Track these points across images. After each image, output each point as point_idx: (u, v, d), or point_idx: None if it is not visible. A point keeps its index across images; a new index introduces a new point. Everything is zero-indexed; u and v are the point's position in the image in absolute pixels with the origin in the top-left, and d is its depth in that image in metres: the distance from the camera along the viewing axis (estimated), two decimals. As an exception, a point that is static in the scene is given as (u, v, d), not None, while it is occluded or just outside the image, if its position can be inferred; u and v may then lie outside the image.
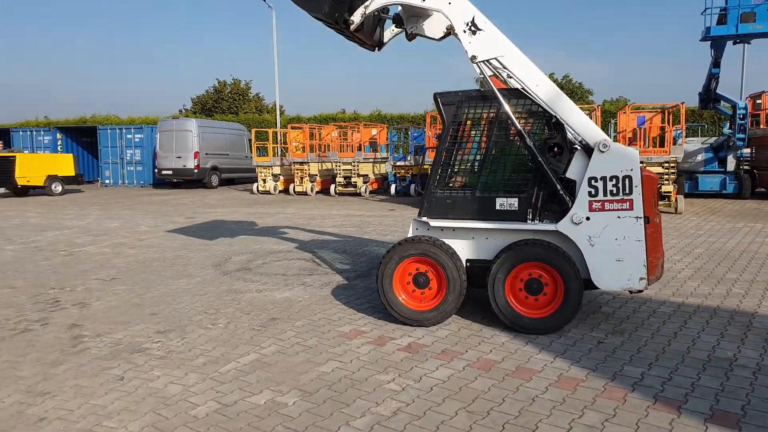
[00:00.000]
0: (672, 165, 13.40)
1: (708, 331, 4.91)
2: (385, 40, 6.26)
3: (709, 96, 16.61)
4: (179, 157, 23.49)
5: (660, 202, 13.47)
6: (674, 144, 13.97)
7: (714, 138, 17.70)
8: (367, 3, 5.31)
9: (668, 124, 14.45)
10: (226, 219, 13.49)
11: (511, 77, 5.02)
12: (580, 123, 4.86)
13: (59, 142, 27.94)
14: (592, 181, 4.72)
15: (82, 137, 28.96)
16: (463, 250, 5.20)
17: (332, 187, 20.36)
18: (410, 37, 5.84)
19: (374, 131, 22.13)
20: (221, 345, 4.75)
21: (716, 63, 15.42)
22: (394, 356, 4.43)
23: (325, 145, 22.22)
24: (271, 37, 29.73)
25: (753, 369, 4.07)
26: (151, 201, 18.87)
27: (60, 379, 4.12)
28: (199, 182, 24.32)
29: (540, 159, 4.82)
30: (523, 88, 4.92)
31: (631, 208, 4.67)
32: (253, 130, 24.55)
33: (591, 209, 4.73)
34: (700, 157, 16.86)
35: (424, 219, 5.25)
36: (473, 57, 4.96)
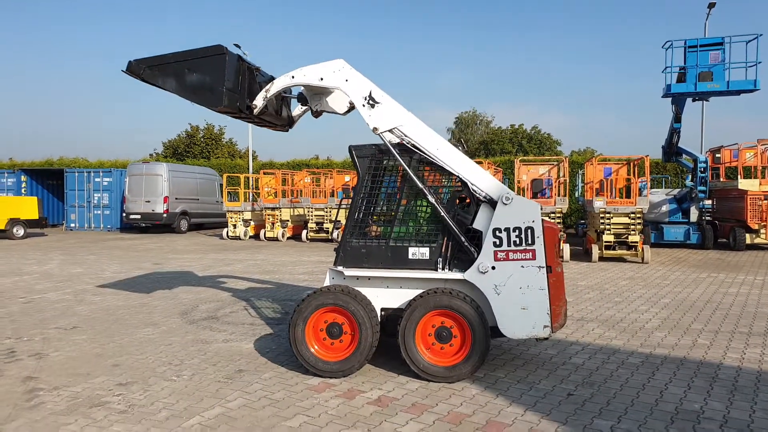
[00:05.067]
0: (638, 215, 13.73)
1: (675, 382, 4.94)
2: (295, 118, 6.57)
3: (671, 149, 17.22)
4: (148, 202, 23.20)
5: (627, 252, 13.75)
6: (640, 195, 14.35)
7: (677, 189, 18.26)
8: (267, 87, 5.63)
9: (634, 175, 14.88)
10: (194, 265, 13.26)
11: (413, 145, 5.18)
12: (481, 180, 5.06)
13: (23, 185, 27.38)
14: (497, 232, 4.91)
15: (48, 180, 28.45)
16: (378, 298, 5.28)
17: (304, 232, 20.27)
18: (316, 114, 6.15)
19: (347, 177, 22.27)
20: (185, 398, 4.59)
21: (677, 118, 16.05)
22: (364, 410, 4.34)
23: (297, 191, 22.23)
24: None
25: (720, 422, 4.09)
26: (117, 246, 18.49)
27: (12, 436, 3.92)
28: (168, 227, 23.98)
29: (443, 214, 5.01)
30: (424, 153, 5.13)
31: (533, 258, 4.84)
32: (225, 175, 24.50)
33: (496, 259, 4.90)
34: (664, 208, 17.34)
35: (340, 268, 5.30)
36: (375, 129, 5.20)
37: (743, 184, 16.08)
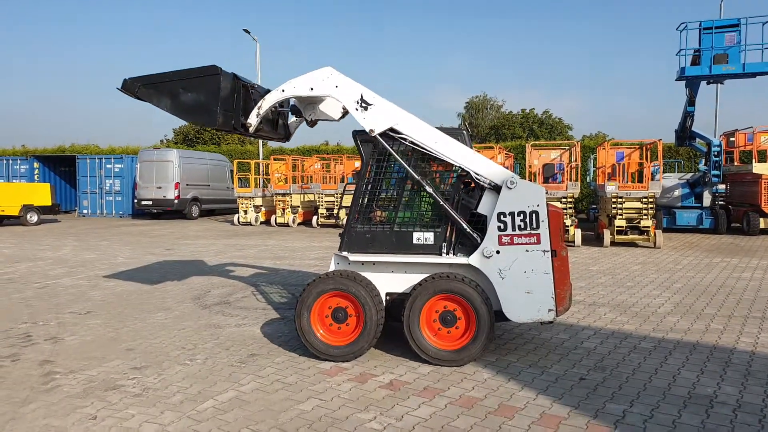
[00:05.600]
0: (650, 200, 13.62)
1: (688, 367, 4.93)
2: (291, 130, 6.61)
3: (684, 133, 17.00)
4: (159, 188, 23.32)
5: (639, 237, 13.66)
6: (652, 180, 14.22)
7: (690, 174, 18.06)
8: (259, 104, 5.64)
9: (646, 160, 14.73)
10: (205, 251, 13.34)
11: (411, 142, 5.18)
12: (484, 168, 5.05)
13: (36, 172, 27.59)
14: (501, 216, 4.90)
15: (60, 166, 28.65)
16: (384, 283, 5.31)
17: (314, 218, 20.32)
18: (311, 123, 6.18)
19: (357, 163, 22.23)
20: (199, 382, 4.64)
21: (691, 101, 15.83)
22: (376, 394, 4.37)
23: (307, 177, 22.24)
24: (255, 68, 29.99)
25: (733, 406, 4.08)
26: (129, 232, 18.63)
27: (29, 418, 3.97)
28: (179, 213, 24.11)
29: (442, 203, 5.03)
30: (423, 148, 5.13)
31: (538, 242, 4.83)
32: (235, 161, 24.53)
33: (501, 243, 4.90)
34: (677, 193, 17.18)
35: (344, 253, 5.32)
36: (371, 131, 5.20)
37: (758, 168, 15.88)
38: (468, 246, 5.08)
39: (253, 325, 6.40)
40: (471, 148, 5.45)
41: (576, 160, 15.14)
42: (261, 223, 21.40)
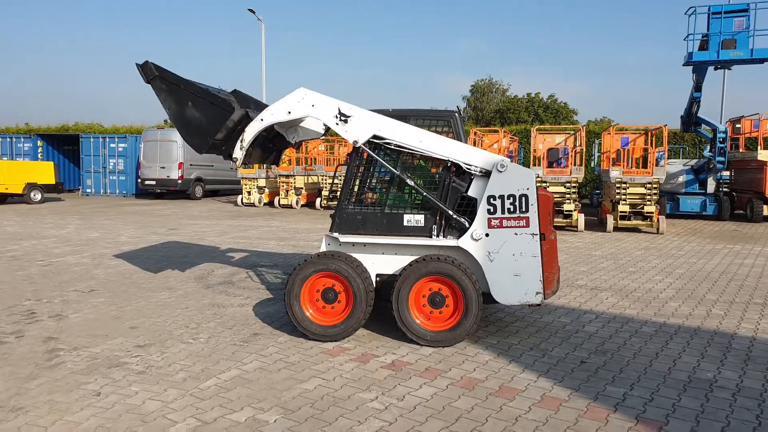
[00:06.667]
0: (654, 186, 13.58)
1: (689, 351, 4.94)
2: (281, 154, 6.65)
3: (690, 119, 16.89)
4: (163, 168, 23.31)
5: (642, 222, 13.65)
6: (657, 165, 14.16)
7: (695, 160, 17.98)
8: (242, 137, 5.66)
9: (651, 145, 14.66)
10: (209, 231, 13.37)
11: (397, 145, 5.20)
12: (473, 157, 5.07)
13: (39, 150, 27.60)
14: (491, 200, 4.94)
15: (64, 145, 28.64)
16: (374, 265, 5.36)
17: (318, 200, 20.33)
18: (296, 145, 6.21)
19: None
20: (202, 360, 4.68)
21: (698, 87, 15.69)
22: (378, 374, 4.40)
23: (311, 159, 22.21)
24: (260, 49, 29.84)
25: (733, 390, 4.10)
26: (133, 211, 18.66)
27: (34, 394, 4.02)
28: (183, 193, 24.13)
29: (427, 195, 5.10)
30: (410, 149, 5.16)
31: (527, 226, 4.87)
32: (239, 142, 24.46)
33: (490, 226, 4.94)
34: (681, 179, 17.12)
35: (335, 234, 5.36)
36: (355, 142, 5.24)
37: (763, 155, 15.77)
38: (458, 228, 5.11)
39: (255, 305, 6.44)
40: (463, 130, 5.46)
41: (581, 145, 15.07)
42: (264, 204, 21.42)
